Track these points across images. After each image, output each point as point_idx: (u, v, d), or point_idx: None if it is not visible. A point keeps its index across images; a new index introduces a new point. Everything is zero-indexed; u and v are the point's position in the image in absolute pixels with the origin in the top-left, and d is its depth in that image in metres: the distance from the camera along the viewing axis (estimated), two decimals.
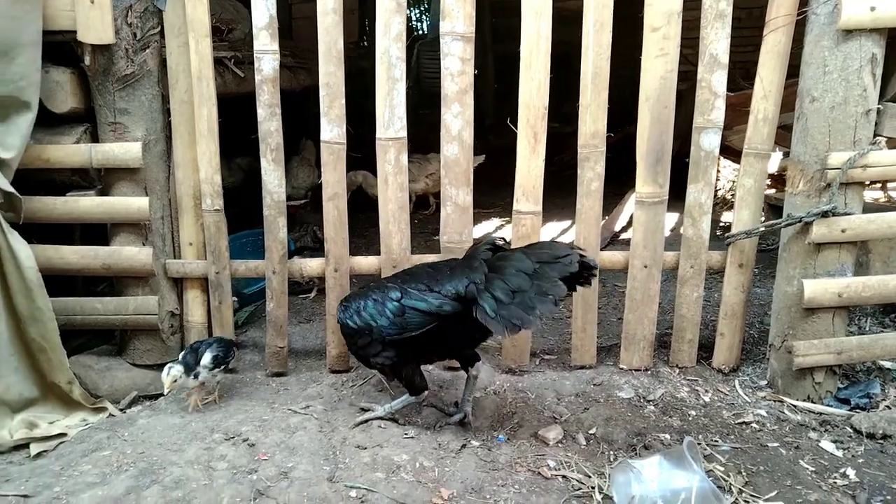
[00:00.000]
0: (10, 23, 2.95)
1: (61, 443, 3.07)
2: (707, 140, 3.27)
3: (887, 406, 3.14)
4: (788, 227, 3.16)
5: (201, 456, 2.87)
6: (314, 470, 2.78)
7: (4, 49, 2.95)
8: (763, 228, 3.28)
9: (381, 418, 3.13)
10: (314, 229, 5.60)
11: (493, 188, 5.35)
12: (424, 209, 7.00)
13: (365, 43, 9.47)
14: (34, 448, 3.01)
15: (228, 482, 2.69)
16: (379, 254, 3.54)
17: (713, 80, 3.20)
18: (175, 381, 3.17)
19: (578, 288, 3.35)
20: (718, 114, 3.24)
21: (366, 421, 3.13)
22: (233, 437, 3.01)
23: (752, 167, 3.28)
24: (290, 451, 2.91)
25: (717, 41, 3.16)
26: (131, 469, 2.80)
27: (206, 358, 3.24)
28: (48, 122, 3.31)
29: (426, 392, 3.12)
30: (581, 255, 2.71)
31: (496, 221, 6.66)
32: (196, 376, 3.23)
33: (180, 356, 3.28)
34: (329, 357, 3.65)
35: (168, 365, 3.18)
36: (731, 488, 2.64)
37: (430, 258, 3.57)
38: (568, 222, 6.37)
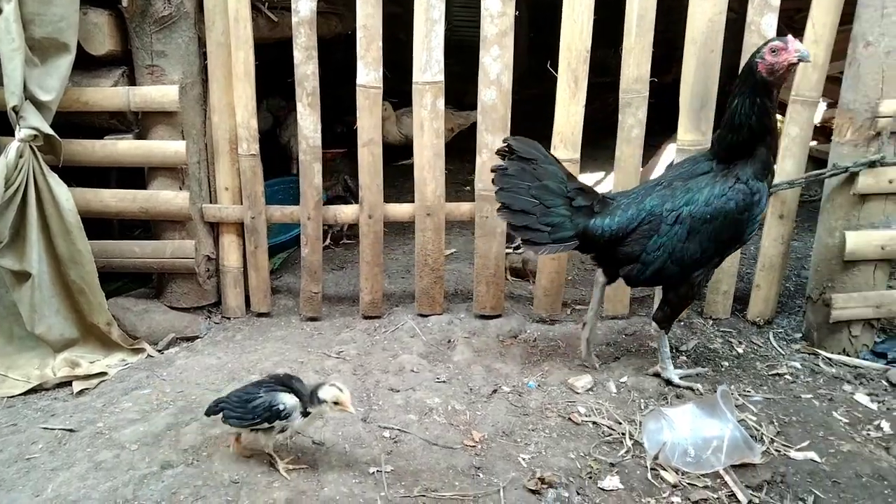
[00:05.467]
0: None
1: (102, 381, 3.17)
2: None
3: None
4: (833, 177, 3.08)
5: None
6: None
7: None
8: (807, 178, 3.21)
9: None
10: (345, 178, 5.59)
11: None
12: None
13: None
14: (76, 386, 3.10)
15: None
16: (412, 202, 3.53)
17: (763, 24, 3.09)
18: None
19: None
20: None
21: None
22: None
23: (799, 115, 3.19)
24: None
25: None
26: (171, 407, 2.88)
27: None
28: (86, 65, 3.33)
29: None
30: None
31: None
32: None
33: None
34: (362, 303, 3.68)
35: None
36: (762, 438, 2.63)
37: (465, 207, 3.56)
38: (601, 173, 6.28)
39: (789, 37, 2.47)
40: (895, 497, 2.33)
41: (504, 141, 2.92)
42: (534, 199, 2.85)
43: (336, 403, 2.40)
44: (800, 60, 2.49)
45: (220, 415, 2.47)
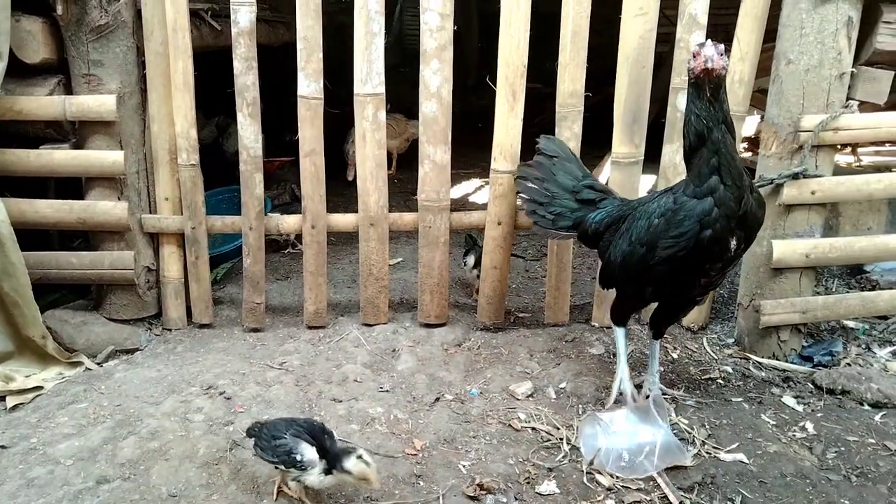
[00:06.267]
0: None
1: (38, 396, 3.10)
2: (684, 100, 3.26)
3: (848, 363, 3.24)
4: (760, 188, 3.19)
5: (178, 408, 2.91)
6: None
7: None
8: None
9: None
10: (292, 187, 5.58)
11: (475, 150, 5.35)
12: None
13: None
14: (10, 401, 3.02)
15: (205, 433, 2.74)
16: (357, 212, 3.55)
17: (692, 41, 3.21)
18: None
19: (553, 247, 3.44)
20: None
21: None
22: (209, 391, 3.05)
23: None
24: (266, 404, 2.95)
25: (696, 1, 3.17)
26: (108, 421, 2.84)
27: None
28: (20, 73, 3.26)
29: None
30: None
31: (476, 182, 6.66)
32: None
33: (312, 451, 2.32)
34: (306, 313, 3.67)
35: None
36: (694, 440, 2.72)
37: (409, 217, 3.59)
38: None
39: (708, 42, 2.36)
40: (816, 494, 2.44)
41: (536, 140, 3.24)
42: (545, 191, 3.12)
43: (362, 479, 2.28)
44: (707, 67, 2.32)
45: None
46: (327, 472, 2.30)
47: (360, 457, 2.26)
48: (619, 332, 2.95)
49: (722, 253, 2.50)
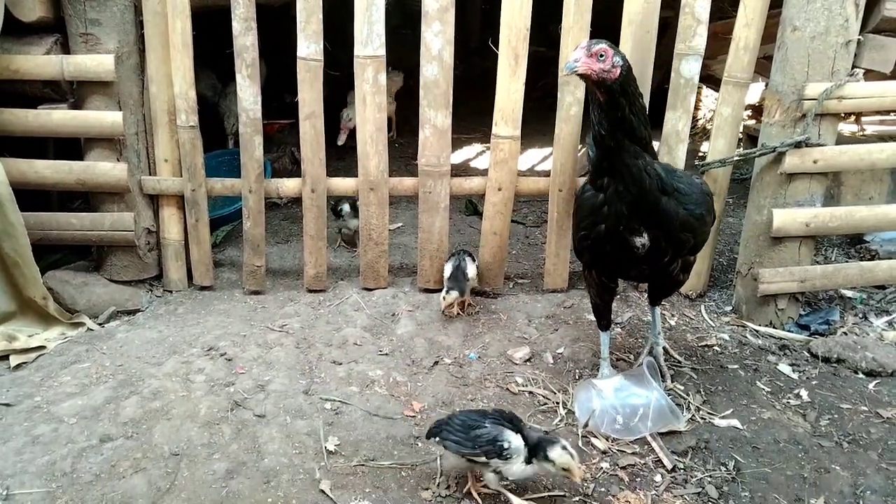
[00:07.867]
0: None
1: (41, 355, 3.13)
2: (687, 67, 3.26)
3: (844, 332, 3.26)
4: (762, 156, 3.19)
5: (179, 369, 2.94)
6: (290, 383, 2.86)
7: None
8: (737, 157, 3.32)
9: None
10: (292, 150, 5.55)
11: (477, 114, 5.30)
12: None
13: None
14: (14, 360, 3.05)
15: (206, 394, 2.77)
16: (357, 176, 3.54)
17: (696, 6, 3.16)
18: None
19: (553, 214, 3.41)
20: (700, 40, 3.22)
21: None
22: (210, 352, 3.08)
23: (731, 96, 3.28)
24: (267, 366, 2.98)
25: None
26: (110, 381, 2.87)
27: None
28: (16, 32, 3.22)
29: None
30: None
31: (477, 147, 6.62)
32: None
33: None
34: (307, 277, 3.69)
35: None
36: (689, 406, 2.76)
37: (409, 182, 3.58)
38: (549, 149, 6.36)
39: (584, 42, 2.20)
40: (808, 460, 2.47)
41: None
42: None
43: (564, 469, 2.17)
44: (577, 71, 2.17)
45: (437, 437, 2.26)
46: (528, 461, 2.20)
47: (564, 447, 2.17)
48: (603, 337, 2.89)
49: (628, 250, 2.44)
